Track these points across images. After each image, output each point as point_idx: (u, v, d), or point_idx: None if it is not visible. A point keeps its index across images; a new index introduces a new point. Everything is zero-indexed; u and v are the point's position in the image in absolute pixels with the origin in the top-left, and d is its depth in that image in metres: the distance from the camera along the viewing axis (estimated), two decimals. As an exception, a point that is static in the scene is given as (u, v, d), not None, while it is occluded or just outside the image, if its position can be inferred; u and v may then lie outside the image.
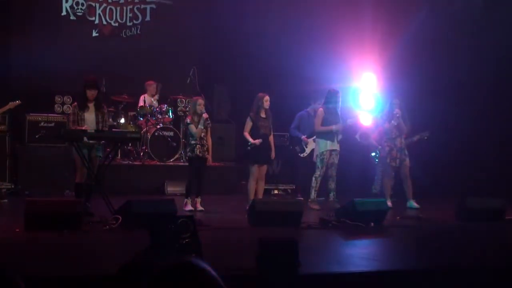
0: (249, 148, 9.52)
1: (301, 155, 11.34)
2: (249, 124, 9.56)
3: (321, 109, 10.07)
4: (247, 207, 8.46)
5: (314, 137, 10.90)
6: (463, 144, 12.04)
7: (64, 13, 13.19)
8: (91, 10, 13.35)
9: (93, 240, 7.03)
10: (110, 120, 11.02)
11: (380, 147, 11.42)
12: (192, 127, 9.39)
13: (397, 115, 10.29)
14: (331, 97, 10.02)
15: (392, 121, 10.34)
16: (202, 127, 9.36)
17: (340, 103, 10.02)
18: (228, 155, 12.51)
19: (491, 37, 12.12)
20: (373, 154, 11.80)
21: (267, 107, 9.55)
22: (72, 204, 7.57)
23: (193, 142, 9.41)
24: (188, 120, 9.55)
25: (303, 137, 11.23)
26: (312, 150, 10.91)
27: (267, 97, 9.58)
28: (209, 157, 9.55)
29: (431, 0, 12.47)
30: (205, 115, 9.40)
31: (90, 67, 11.55)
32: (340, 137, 10.03)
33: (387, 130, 10.45)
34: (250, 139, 9.49)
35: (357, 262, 6.18)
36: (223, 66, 13.18)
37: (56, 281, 4.83)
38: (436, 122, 11.15)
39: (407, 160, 10.43)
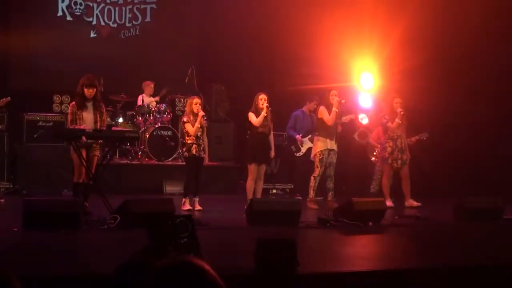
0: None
1: (297, 154, 11.34)
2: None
3: (323, 106, 10.03)
4: (246, 207, 8.45)
5: (309, 136, 10.91)
6: (462, 143, 12.02)
7: (60, 13, 13.11)
8: (88, 10, 13.26)
9: (91, 239, 7.02)
10: (109, 119, 10.99)
11: (379, 146, 11.41)
12: (189, 126, 9.37)
13: (402, 113, 10.23)
14: (327, 96, 10.00)
15: (396, 120, 10.27)
16: (199, 126, 9.35)
17: (336, 101, 9.93)
18: (226, 154, 12.50)
19: (490, 36, 12.11)
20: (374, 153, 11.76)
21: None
22: (70, 204, 7.56)
23: (189, 141, 9.40)
24: (185, 119, 9.54)
25: (298, 136, 11.23)
26: (308, 149, 10.92)
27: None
28: (206, 156, 9.54)
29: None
30: (201, 113, 9.38)
31: (88, 66, 11.50)
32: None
33: (389, 130, 10.38)
34: None
35: (356, 261, 6.19)
36: (222, 66, 13.15)
37: (53, 280, 4.82)
38: (434, 122, 11.12)
39: (408, 160, 10.39)
